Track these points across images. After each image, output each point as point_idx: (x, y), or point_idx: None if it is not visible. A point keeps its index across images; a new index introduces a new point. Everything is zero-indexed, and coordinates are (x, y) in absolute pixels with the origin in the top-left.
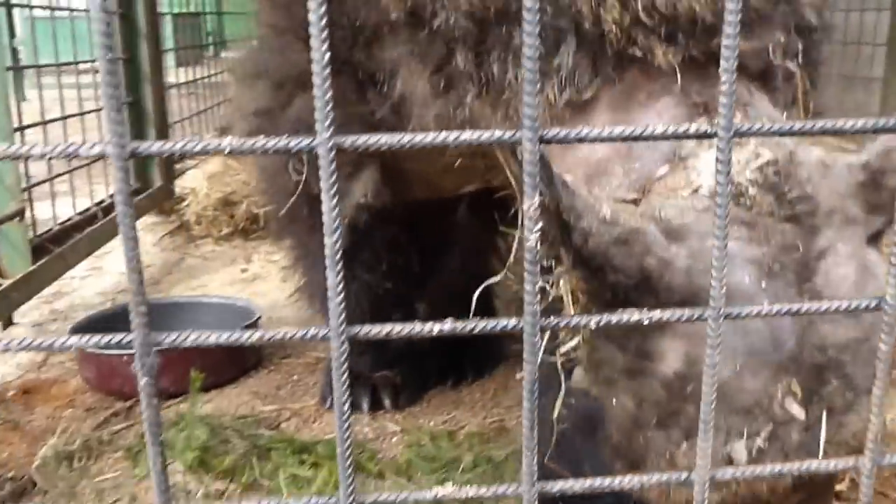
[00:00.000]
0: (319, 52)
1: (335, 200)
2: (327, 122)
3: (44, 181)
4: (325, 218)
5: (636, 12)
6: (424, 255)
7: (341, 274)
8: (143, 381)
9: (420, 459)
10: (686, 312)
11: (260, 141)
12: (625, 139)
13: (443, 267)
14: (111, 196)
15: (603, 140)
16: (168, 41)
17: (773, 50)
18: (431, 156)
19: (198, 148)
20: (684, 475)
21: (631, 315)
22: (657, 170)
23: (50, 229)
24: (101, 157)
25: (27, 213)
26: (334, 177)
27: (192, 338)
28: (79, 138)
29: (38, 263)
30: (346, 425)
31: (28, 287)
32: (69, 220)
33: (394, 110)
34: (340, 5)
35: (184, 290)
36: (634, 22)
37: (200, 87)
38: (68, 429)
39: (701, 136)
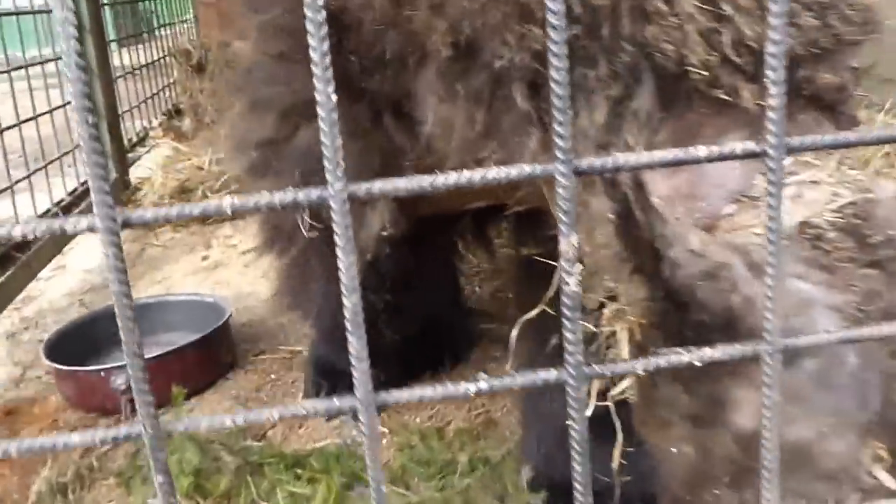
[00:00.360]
0: (325, 95)
1: (353, 257)
2: (339, 171)
3: (4, 189)
4: (342, 276)
5: (723, 50)
6: (422, 265)
7: (365, 339)
8: (159, 479)
9: (414, 464)
10: (739, 348)
11: (265, 197)
12: (665, 165)
13: (431, 268)
14: (70, 194)
15: (642, 167)
16: (108, 26)
17: (850, 80)
18: None
19: (197, 212)
20: None
21: (680, 357)
22: (723, 209)
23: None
24: (90, 230)
25: None
26: (350, 231)
27: (204, 424)
28: (32, 133)
29: (6, 275)
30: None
31: None
32: None
33: (428, 149)
34: (358, 35)
35: (148, 284)
36: (722, 60)
37: (144, 69)
38: (58, 455)
39: (749, 156)
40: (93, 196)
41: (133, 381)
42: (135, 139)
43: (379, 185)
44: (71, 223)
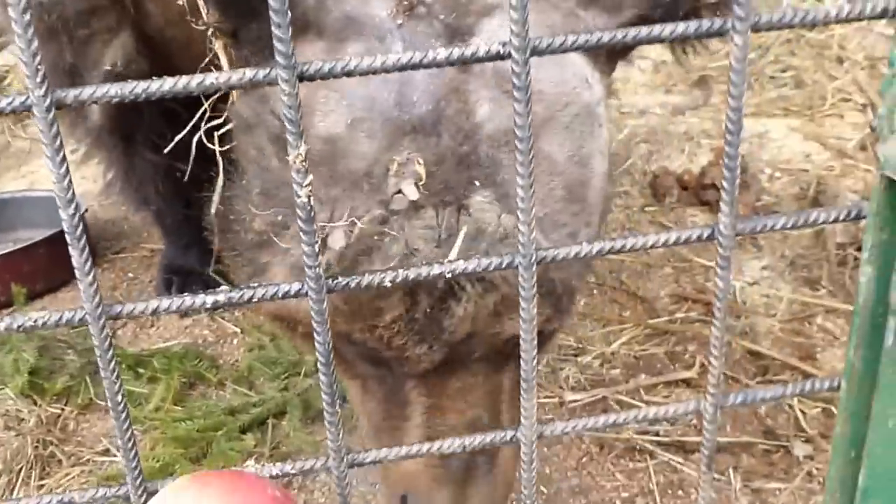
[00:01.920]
0: None
1: (64, 168)
2: (38, 77)
3: None
4: (55, 187)
5: None
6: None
7: (88, 254)
8: None
9: (261, 364)
10: (496, 260)
11: None
12: (399, 69)
13: None
14: None
15: (374, 72)
16: None
17: None
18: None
19: None
20: (510, 434)
21: (432, 269)
22: None
23: None
24: None
25: None
26: (59, 140)
27: None
28: None
29: None
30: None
31: None
32: None
33: None
34: None
35: (14, 179)
36: None
37: None
38: None
39: (494, 59)
40: None
41: None
42: None
43: (89, 92)
44: None
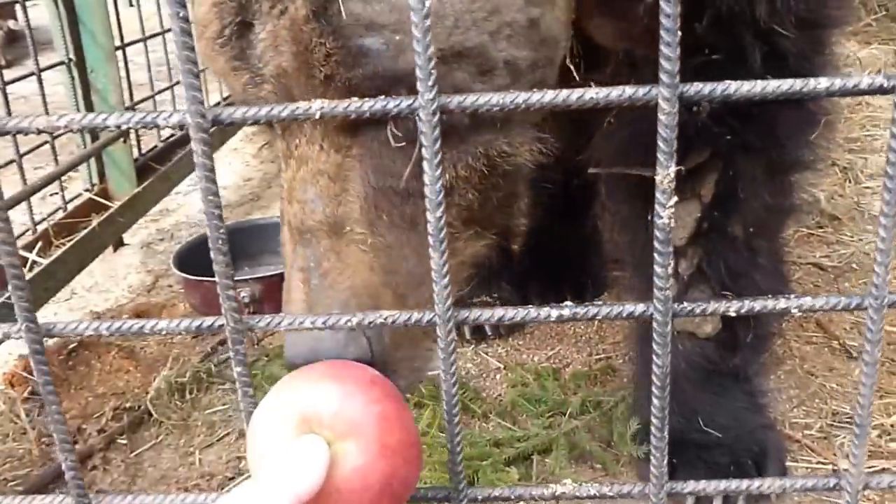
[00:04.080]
0: (420, 17)
1: (439, 171)
2: (430, 81)
3: (147, 98)
4: (426, 190)
5: None
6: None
7: (447, 256)
8: (237, 370)
9: (525, 401)
10: (844, 300)
11: (354, 104)
12: (780, 96)
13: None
14: (216, 105)
15: (755, 96)
16: None
17: None
18: None
19: (285, 113)
20: (833, 481)
21: (777, 302)
22: None
23: (154, 147)
24: (181, 125)
25: (131, 133)
26: (438, 143)
27: (285, 323)
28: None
29: (143, 185)
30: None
31: (134, 209)
32: (172, 136)
33: None
34: None
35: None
36: None
37: None
38: (179, 357)
39: (874, 92)
40: (184, 92)
41: (217, 276)
42: None
43: (472, 99)
44: (162, 117)
